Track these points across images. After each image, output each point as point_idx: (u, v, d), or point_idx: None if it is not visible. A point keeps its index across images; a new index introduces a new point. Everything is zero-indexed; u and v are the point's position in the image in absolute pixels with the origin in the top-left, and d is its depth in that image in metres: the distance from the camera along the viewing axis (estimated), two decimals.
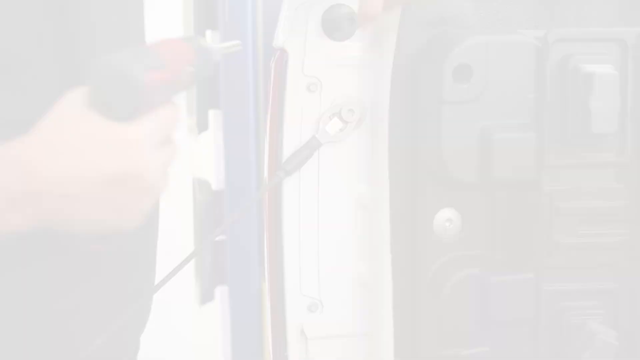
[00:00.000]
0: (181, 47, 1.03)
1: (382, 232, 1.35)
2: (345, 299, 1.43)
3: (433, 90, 1.22)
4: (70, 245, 0.99)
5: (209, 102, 2.57)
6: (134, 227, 0.96)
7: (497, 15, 1.34)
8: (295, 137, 1.36)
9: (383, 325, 1.37)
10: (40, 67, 0.99)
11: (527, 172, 1.22)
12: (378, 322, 1.37)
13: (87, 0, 1.06)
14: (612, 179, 1.24)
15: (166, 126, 0.96)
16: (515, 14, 1.35)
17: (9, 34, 0.94)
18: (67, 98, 0.93)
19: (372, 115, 1.35)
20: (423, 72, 1.25)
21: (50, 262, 1.01)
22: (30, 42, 0.97)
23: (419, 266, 1.32)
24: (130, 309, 1.09)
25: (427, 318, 1.30)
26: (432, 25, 1.29)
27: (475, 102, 1.22)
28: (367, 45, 1.34)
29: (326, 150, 1.36)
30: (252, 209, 2.40)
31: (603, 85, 1.16)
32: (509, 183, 1.25)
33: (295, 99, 1.35)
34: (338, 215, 1.40)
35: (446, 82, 1.20)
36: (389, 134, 1.32)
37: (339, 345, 1.44)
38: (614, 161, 1.24)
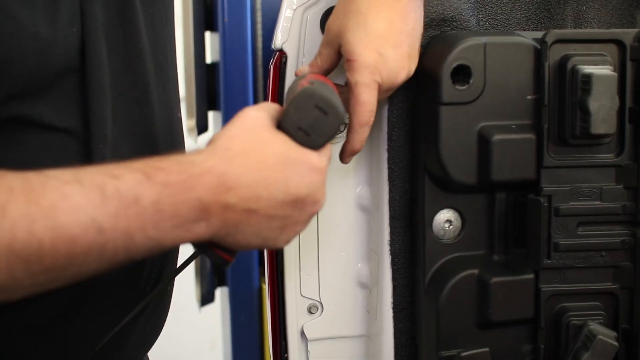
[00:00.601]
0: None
1: (381, 234, 1.36)
2: (345, 301, 1.43)
3: (432, 91, 1.22)
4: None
5: (209, 104, 2.58)
6: (283, 246, 1.03)
7: (495, 16, 1.34)
8: None
9: (383, 326, 1.37)
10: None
11: (526, 173, 1.22)
12: (378, 324, 1.37)
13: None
14: (611, 180, 1.24)
15: (329, 160, 1.05)
16: (513, 15, 1.35)
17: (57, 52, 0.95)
18: (251, 116, 0.99)
19: None
20: (422, 73, 1.25)
21: None
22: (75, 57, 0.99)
23: (418, 267, 1.32)
24: (133, 311, 1.09)
25: (427, 319, 1.30)
26: (431, 27, 1.29)
27: (474, 104, 1.22)
28: None
29: None
30: None
31: (601, 86, 1.16)
32: (508, 184, 1.25)
33: None
34: (338, 216, 1.40)
35: (445, 83, 1.20)
36: (388, 135, 1.32)
37: (339, 346, 1.45)
38: (612, 162, 1.23)
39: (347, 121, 1.20)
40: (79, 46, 0.98)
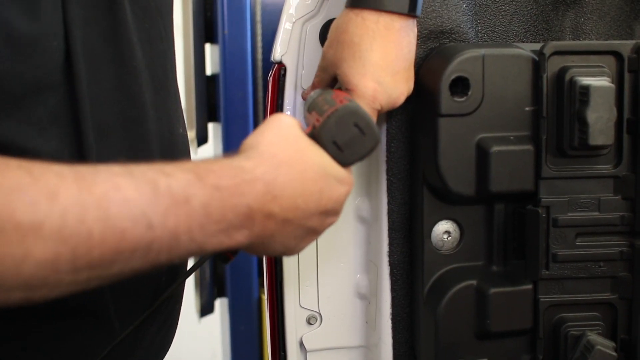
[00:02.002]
0: None
1: (380, 245, 1.36)
2: (343, 312, 1.43)
3: (430, 103, 1.22)
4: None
5: (208, 115, 2.58)
6: (296, 254, 1.05)
7: (494, 28, 1.35)
8: None
9: (382, 337, 1.37)
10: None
11: (525, 184, 1.23)
12: (377, 334, 1.37)
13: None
14: (609, 191, 1.25)
15: None
16: (512, 27, 1.36)
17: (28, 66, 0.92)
18: (287, 123, 1.00)
19: None
20: (420, 85, 1.25)
21: None
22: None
23: (417, 278, 1.32)
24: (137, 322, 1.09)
25: (426, 330, 1.30)
26: (430, 39, 1.29)
27: (473, 115, 1.22)
28: None
29: None
30: None
31: (599, 97, 1.17)
32: (507, 195, 1.25)
33: (294, 112, 1.35)
34: (336, 227, 1.40)
35: (443, 95, 1.21)
36: (386, 146, 1.33)
37: (338, 357, 1.45)
38: (610, 173, 1.24)
39: None
40: (62, 62, 0.95)
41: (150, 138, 1.09)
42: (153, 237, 0.83)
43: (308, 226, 0.98)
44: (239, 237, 0.90)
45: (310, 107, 1.10)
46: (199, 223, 0.86)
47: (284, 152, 0.96)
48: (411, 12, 1.16)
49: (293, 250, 1.01)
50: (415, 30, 1.20)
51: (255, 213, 0.90)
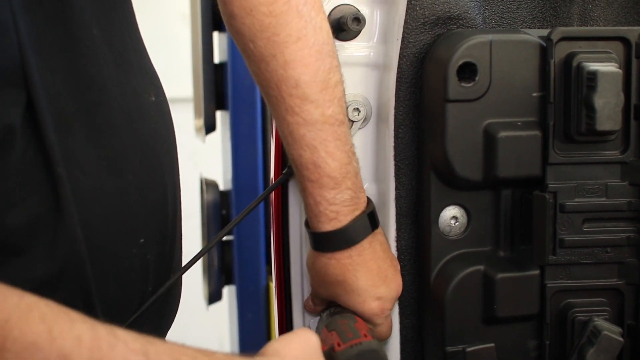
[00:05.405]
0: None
1: (388, 230, 1.36)
2: None
3: (438, 88, 1.23)
4: None
5: (217, 103, 2.59)
6: None
7: (501, 15, 1.35)
8: None
9: None
10: None
11: (532, 169, 1.23)
12: None
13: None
14: (616, 177, 1.25)
15: None
16: (519, 13, 1.36)
17: None
18: (314, 343, 0.98)
19: (377, 114, 1.36)
20: (428, 71, 1.25)
21: None
22: None
23: (424, 264, 1.32)
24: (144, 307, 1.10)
25: (433, 315, 1.31)
26: (437, 25, 1.30)
27: (480, 101, 1.22)
28: (372, 45, 1.35)
29: None
30: (258, 209, 2.41)
31: (607, 83, 1.17)
32: (514, 181, 1.25)
33: None
34: None
35: (451, 80, 1.21)
36: (394, 132, 1.33)
37: None
38: (618, 159, 1.24)
39: None
40: (19, 61, 0.92)
41: (115, 118, 1.05)
42: None
43: None
44: None
45: (331, 327, 1.17)
46: None
47: None
48: (374, 229, 1.24)
49: None
50: (382, 233, 1.28)
51: None
